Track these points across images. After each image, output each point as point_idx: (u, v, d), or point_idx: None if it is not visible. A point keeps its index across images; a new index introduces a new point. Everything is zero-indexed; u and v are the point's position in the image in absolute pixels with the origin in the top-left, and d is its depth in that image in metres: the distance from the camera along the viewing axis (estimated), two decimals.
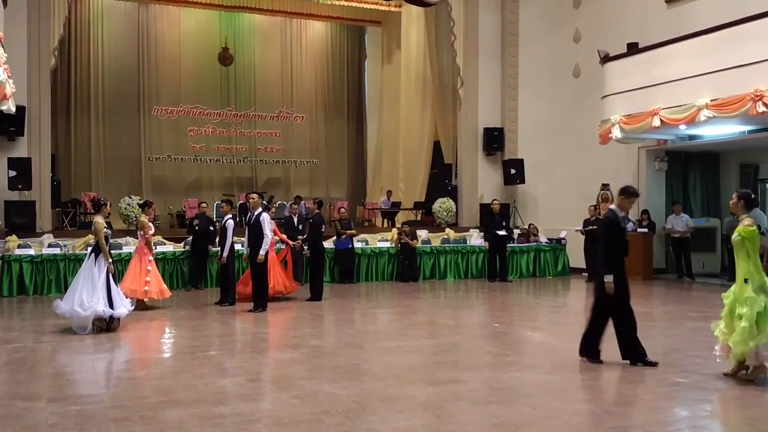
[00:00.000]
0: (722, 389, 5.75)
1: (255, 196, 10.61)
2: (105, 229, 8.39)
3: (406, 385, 5.87)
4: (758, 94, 10.63)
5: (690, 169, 15.43)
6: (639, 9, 14.76)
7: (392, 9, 20.01)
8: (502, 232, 14.20)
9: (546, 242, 15.67)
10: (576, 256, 15.00)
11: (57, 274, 12.07)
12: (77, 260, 11.45)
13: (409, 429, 4.70)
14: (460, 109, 17.72)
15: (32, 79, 14.33)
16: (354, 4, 19.42)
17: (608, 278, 6.32)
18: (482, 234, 15.10)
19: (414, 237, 14.57)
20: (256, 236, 10.16)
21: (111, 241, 8.88)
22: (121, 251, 12.08)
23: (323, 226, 11.70)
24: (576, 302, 12.10)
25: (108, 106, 20.06)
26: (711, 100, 11.50)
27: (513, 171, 17.13)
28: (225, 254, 10.62)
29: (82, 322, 8.12)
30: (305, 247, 11.93)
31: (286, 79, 22.40)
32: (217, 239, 11.76)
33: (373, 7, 19.67)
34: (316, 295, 11.17)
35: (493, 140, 17.56)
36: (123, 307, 8.46)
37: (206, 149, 21.30)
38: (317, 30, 22.97)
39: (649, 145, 14.82)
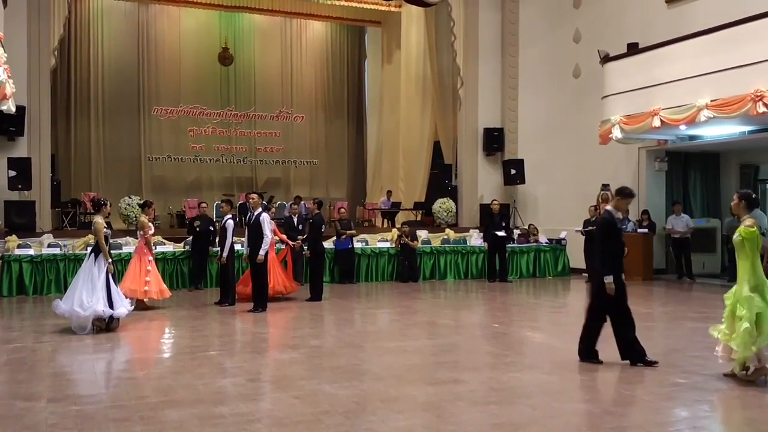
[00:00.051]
0: (722, 390, 5.74)
1: (255, 196, 10.62)
2: (105, 229, 8.39)
3: (406, 386, 5.87)
4: (758, 94, 10.62)
5: (690, 169, 15.42)
6: (639, 9, 14.75)
7: (392, 9, 19.98)
8: (501, 233, 14.18)
9: (546, 242, 15.65)
10: (576, 257, 14.97)
11: (57, 274, 12.07)
12: (77, 260, 11.45)
13: (409, 429, 4.70)
14: (460, 109, 17.70)
15: (32, 79, 14.32)
16: (354, 4, 19.41)
17: (608, 279, 6.32)
18: (482, 234, 15.11)
19: (414, 237, 14.56)
20: (256, 236, 10.16)
21: (111, 241, 8.89)
22: (120, 251, 12.08)
23: (323, 226, 11.70)
24: (576, 303, 12.07)
25: (108, 106, 20.04)
26: (711, 101, 11.49)
27: (513, 171, 17.12)
28: (225, 254, 10.62)
29: (82, 322, 8.12)
30: (305, 248, 11.93)
31: (286, 79, 22.38)
32: (217, 239, 11.77)
33: (373, 7, 19.65)
34: (316, 296, 11.17)
35: (493, 140, 17.55)
36: (123, 307, 8.47)
37: (206, 149, 21.28)
38: (317, 30, 22.95)
39: (650, 145, 14.81)
